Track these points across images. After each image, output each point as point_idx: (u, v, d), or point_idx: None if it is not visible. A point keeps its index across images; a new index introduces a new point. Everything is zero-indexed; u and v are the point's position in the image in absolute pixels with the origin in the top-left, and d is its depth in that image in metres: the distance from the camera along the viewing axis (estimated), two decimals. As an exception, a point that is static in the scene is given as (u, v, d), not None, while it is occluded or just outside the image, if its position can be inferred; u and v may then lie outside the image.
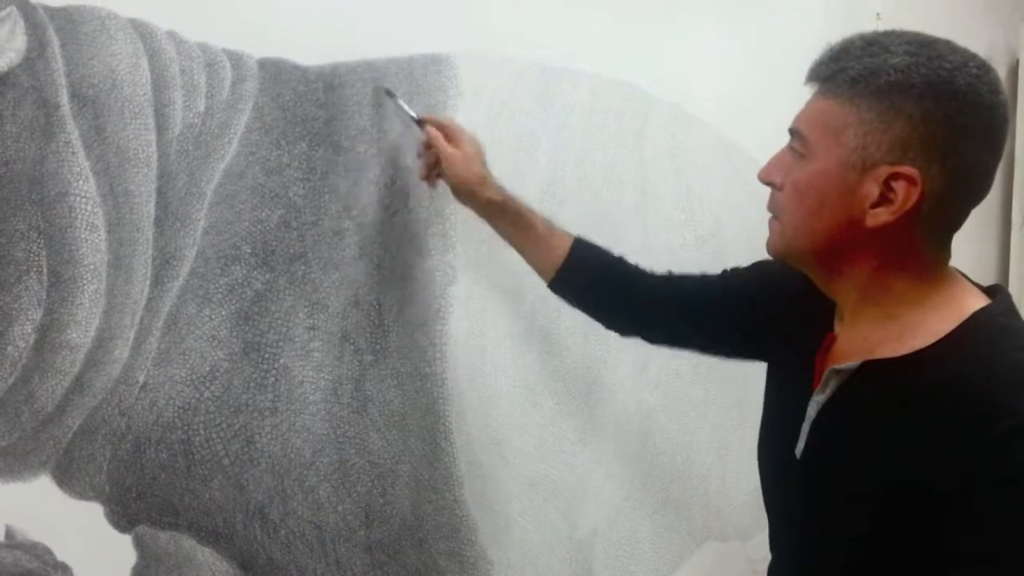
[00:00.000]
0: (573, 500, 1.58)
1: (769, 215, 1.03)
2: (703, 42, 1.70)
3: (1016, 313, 0.94)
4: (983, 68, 0.90)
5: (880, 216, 0.91)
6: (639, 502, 1.66)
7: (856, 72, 0.91)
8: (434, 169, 1.33)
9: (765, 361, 1.17)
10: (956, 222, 0.96)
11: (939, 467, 0.85)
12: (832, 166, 0.93)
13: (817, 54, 0.96)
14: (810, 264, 1.00)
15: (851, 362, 0.96)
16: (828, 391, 0.98)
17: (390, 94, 1.32)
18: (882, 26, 1.87)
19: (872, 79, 0.90)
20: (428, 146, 1.32)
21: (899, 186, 0.90)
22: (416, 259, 1.38)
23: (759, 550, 1.81)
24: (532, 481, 1.53)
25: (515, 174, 1.47)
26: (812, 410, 1.00)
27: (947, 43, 0.92)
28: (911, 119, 0.88)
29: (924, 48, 0.90)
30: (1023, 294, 2.30)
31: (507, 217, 1.34)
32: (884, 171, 0.90)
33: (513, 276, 1.47)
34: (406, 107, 1.32)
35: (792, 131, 0.98)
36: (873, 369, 0.94)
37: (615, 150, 1.59)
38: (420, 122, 1.32)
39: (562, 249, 1.33)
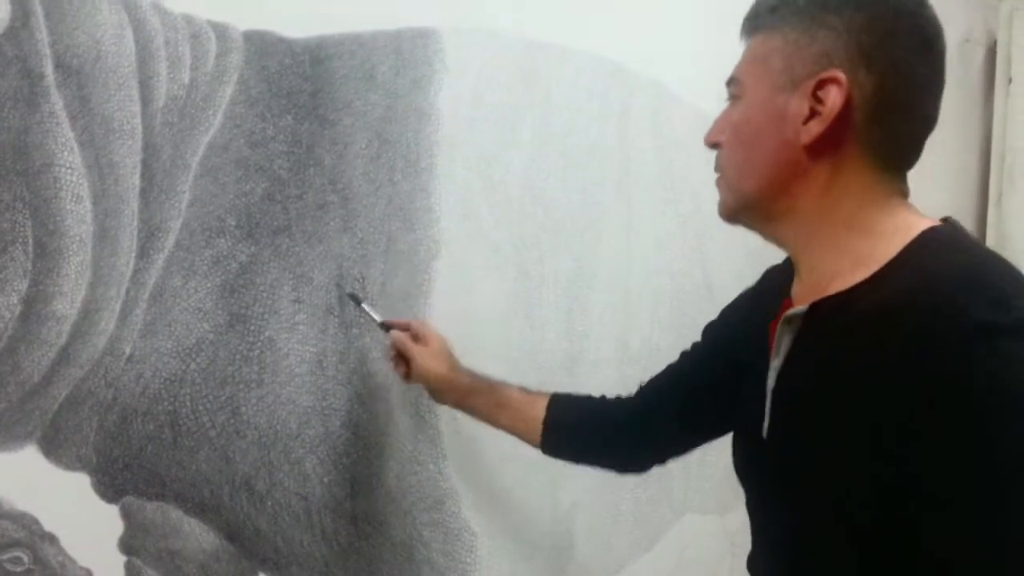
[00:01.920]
0: (555, 473, 1.59)
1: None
2: (686, 21, 1.71)
3: (966, 233, 0.90)
4: None
5: (813, 128, 0.87)
6: (620, 475, 1.68)
7: (774, 1, 0.92)
8: (405, 368, 1.34)
9: None
10: (901, 142, 0.91)
11: (897, 395, 0.77)
12: (763, 94, 0.91)
13: None
14: (758, 209, 0.94)
15: (798, 307, 0.90)
16: (783, 351, 0.92)
17: (355, 299, 1.33)
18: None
19: (791, 2, 0.90)
20: (396, 348, 1.33)
21: (825, 93, 0.87)
22: (400, 233, 1.38)
23: (737, 522, 1.84)
24: (515, 454, 1.54)
25: (499, 148, 1.48)
26: (771, 380, 0.93)
27: None
28: (834, 29, 0.87)
29: None
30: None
31: (483, 396, 1.34)
32: (811, 83, 0.87)
33: (496, 250, 1.48)
34: (371, 312, 1.33)
35: (728, 81, 0.97)
36: (822, 311, 0.88)
37: (599, 127, 1.60)
38: (385, 327, 1.33)
39: (541, 407, 1.30)
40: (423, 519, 1.43)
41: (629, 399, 1.29)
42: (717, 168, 0.98)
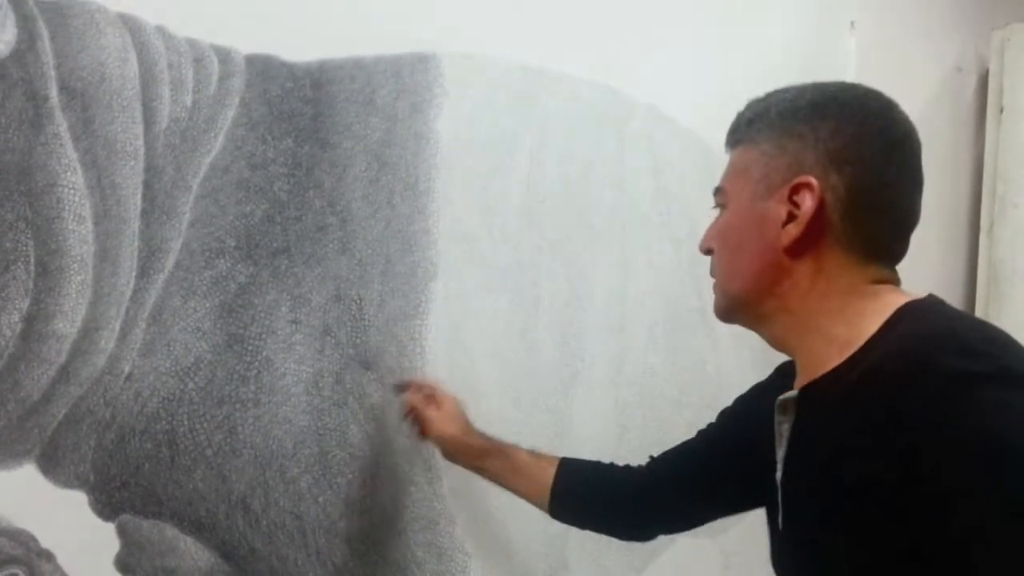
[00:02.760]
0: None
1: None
2: (681, 48, 1.73)
3: (944, 303, 0.93)
4: (876, 93, 0.95)
5: (791, 231, 0.92)
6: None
7: (752, 114, 0.98)
8: (420, 428, 1.40)
9: None
10: (879, 237, 0.94)
11: (885, 456, 0.79)
12: (745, 203, 0.97)
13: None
14: (750, 309, 0.99)
15: (789, 393, 0.95)
16: (784, 440, 0.95)
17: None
18: (857, 35, 1.91)
19: (765, 115, 0.96)
20: (411, 411, 1.39)
21: (800, 198, 0.92)
22: (398, 255, 1.40)
23: (732, 543, 1.84)
24: (509, 475, 1.55)
25: (497, 171, 1.50)
26: (779, 471, 0.96)
27: (841, 82, 0.98)
28: (803, 137, 0.93)
29: (816, 85, 0.97)
30: (991, 297, 2.35)
31: (494, 459, 1.37)
32: (786, 189, 0.93)
33: (493, 273, 1.49)
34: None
35: (714, 191, 1.03)
36: (812, 394, 0.92)
37: (595, 151, 1.62)
38: (399, 388, 1.39)
39: (550, 473, 1.33)
40: (417, 539, 1.44)
41: (639, 470, 1.31)
42: (712, 273, 1.03)
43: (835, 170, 0.91)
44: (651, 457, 1.31)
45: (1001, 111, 2.35)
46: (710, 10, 1.79)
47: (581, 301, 1.61)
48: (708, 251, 1.03)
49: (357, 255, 1.36)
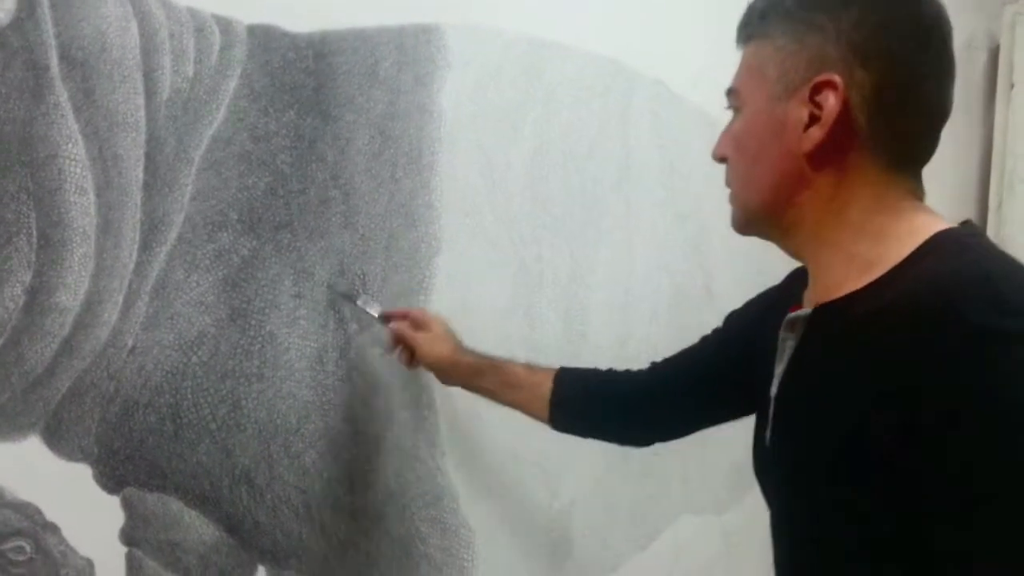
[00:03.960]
0: (553, 471, 1.60)
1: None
2: (688, 20, 1.72)
3: (982, 235, 0.86)
4: None
5: (813, 135, 0.84)
6: (618, 474, 1.69)
7: (764, 6, 0.89)
8: (408, 356, 1.36)
9: None
10: (911, 139, 0.87)
11: (894, 400, 0.75)
12: (761, 105, 0.88)
13: None
14: (767, 221, 0.92)
15: (801, 311, 0.89)
16: (786, 357, 0.90)
17: (349, 298, 1.34)
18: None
19: (779, 5, 0.87)
20: (397, 339, 1.35)
21: (822, 98, 0.83)
22: (401, 230, 1.39)
23: (734, 522, 1.84)
24: (513, 451, 1.55)
25: (501, 145, 1.48)
26: (774, 387, 0.91)
27: None
28: (823, 29, 0.84)
29: None
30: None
31: (489, 376, 1.34)
32: (806, 88, 0.84)
33: (497, 248, 1.48)
34: (368, 309, 1.34)
35: (727, 92, 0.94)
36: (824, 316, 0.86)
37: (600, 125, 1.61)
38: (384, 319, 1.35)
39: (547, 384, 1.30)
40: (421, 515, 1.44)
41: (640, 374, 1.28)
42: (727, 183, 0.96)
43: (860, 65, 0.82)
44: (653, 363, 1.28)
45: (1012, 87, 2.33)
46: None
47: (585, 277, 1.61)
48: (722, 159, 0.96)
49: (360, 229, 1.35)
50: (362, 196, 1.35)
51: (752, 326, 1.05)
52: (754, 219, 0.93)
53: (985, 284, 0.74)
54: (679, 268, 1.74)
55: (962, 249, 0.80)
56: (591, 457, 1.64)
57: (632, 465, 1.69)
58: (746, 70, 0.91)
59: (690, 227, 1.74)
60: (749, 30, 0.91)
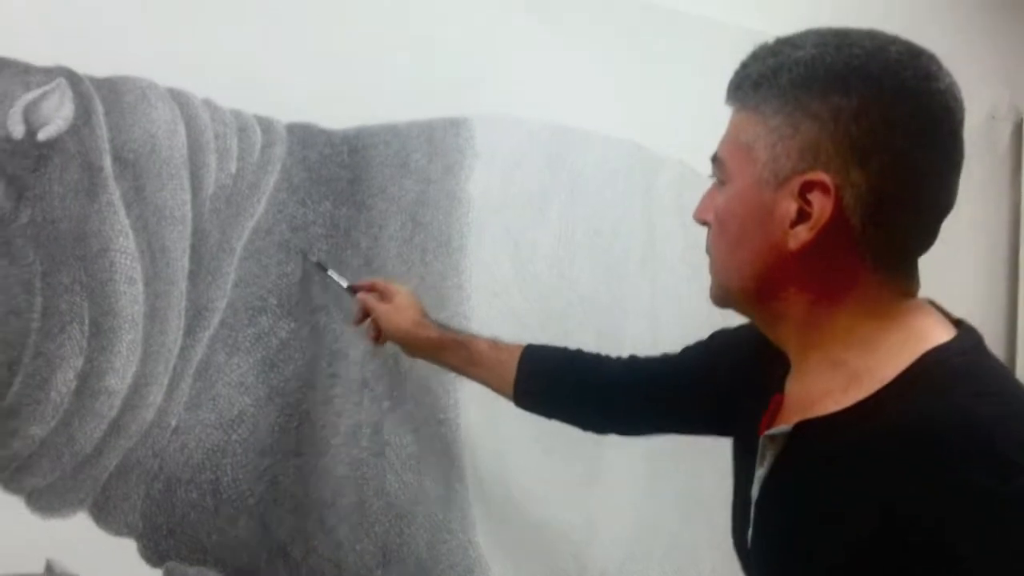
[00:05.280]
0: (583, 542, 1.63)
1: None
2: (708, 101, 1.77)
3: (977, 351, 0.78)
4: (910, 52, 0.78)
5: (800, 235, 0.78)
6: (648, 545, 1.71)
7: (758, 75, 0.80)
8: (376, 332, 1.35)
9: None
10: (909, 238, 0.80)
11: (885, 541, 0.71)
12: (747, 186, 0.81)
13: None
14: (748, 306, 0.87)
15: (783, 426, 0.82)
16: (767, 464, 0.84)
17: (321, 267, 1.34)
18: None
19: (774, 79, 0.79)
20: (364, 312, 1.34)
21: (813, 197, 0.77)
22: (432, 310, 1.45)
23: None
24: (543, 523, 1.59)
25: (527, 228, 1.55)
26: (755, 489, 0.85)
27: (868, 31, 0.79)
28: (818, 118, 0.76)
29: (835, 38, 0.78)
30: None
31: (453, 352, 1.32)
32: (797, 182, 0.77)
33: (525, 327, 1.54)
34: (337, 278, 1.34)
35: (712, 159, 0.87)
36: (809, 430, 0.80)
37: (624, 206, 1.67)
38: (352, 290, 1.35)
39: (512, 363, 1.26)
40: (452, 587, 1.47)
41: (613, 364, 1.24)
42: (707, 250, 0.90)
43: (857, 163, 0.75)
44: (632, 356, 1.23)
45: (1037, 158, 2.35)
46: (739, 61, 1.83)
47: (611, 353, 1.65)
48: (705, 222, 0.89)
49: (393, 311, 1.41)
50: (394, 280, 1.41)
51: (740, 364, 0.99)
52: (733, 299, 0.88)
53: (978, 436, 0.69)
54: (705, 342, 1.78)
55: (953, 379, 0.74)
56: (620, 528, 1.67)
57: (661, 537, 1.72)
58: (733, 142, 0.83)
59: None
60: (740, 97, 0.83)
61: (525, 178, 1.55)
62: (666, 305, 1.71)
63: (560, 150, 1.59)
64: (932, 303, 0.84)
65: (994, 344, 2.34)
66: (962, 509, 0.68)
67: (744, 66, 0.83)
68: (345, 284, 1.35)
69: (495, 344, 1.32)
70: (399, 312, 1.31)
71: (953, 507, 0.68)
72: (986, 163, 2.29)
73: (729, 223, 0.84)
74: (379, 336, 1.35)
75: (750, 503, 0.86)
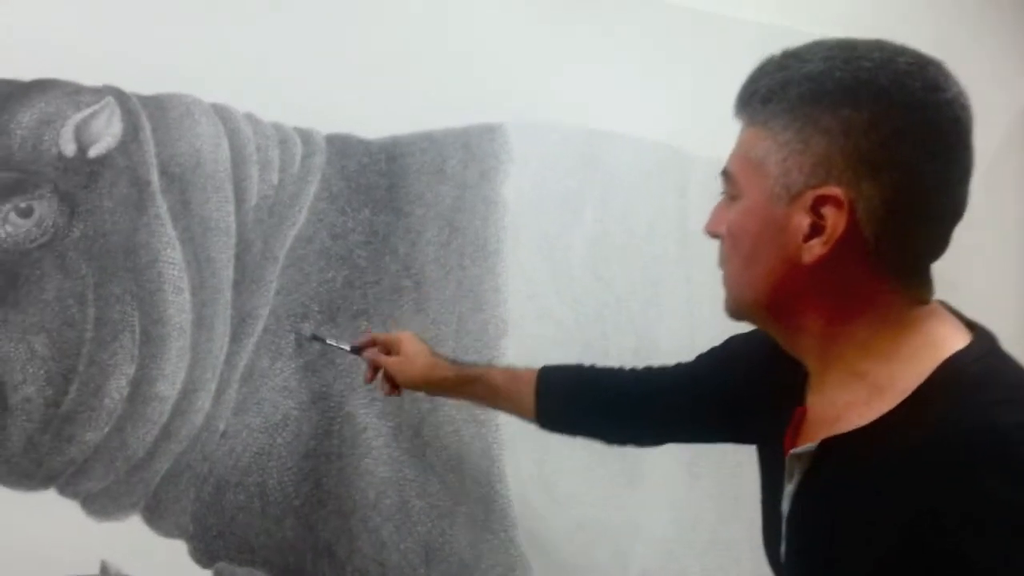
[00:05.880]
0: (623, 541, 1.65)
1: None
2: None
3: (992, 354, 0.79)
4: (918, 63, 0.77)
5: (815, 249, 0.78)
6: (688, 543, 1.72)
7: (767, 90, 0.80)
8: (389, 385, 1.32)
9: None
10: (922, 248, 0.81)
11: (912, 550, 0.73)
12: (759, 202, 0.81)
13: None
14: (764, 320, 0.87)
15: (808, 444, 0.82)
16: (795, 480, 0.84)
17: (318, 339, 1.34)
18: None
19: (783, 94, 0.79)
20: (375, 368, 1.32)
21: (827, 211, 0.77)
22: (470, 313, 1.48)
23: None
24: (583, 522, 1.61)
25: (562, 231, 1.57)
26: (785, 504, 0.86)
27: (876, 41, 0.79)
28: (829, 132, 0.76)
29: (843, 51, 0.78)
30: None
31: (470, 386, 1.31)
32: (809, 196, 0.77)
33: (562, 328, 1.56)
34: (337, 344, 1.34)
35: (722, 173, 0.87)
36: (835, 446, 0.80)
37: (658, 205, 1.68)
38: (356, 350, 1.34)
39: (529, 391, 1.26)
40: (494, 585, 1.50)
41: (629, 377, 1.24)
42: (720, 263, 0.90)
43: (869, 176, 0.75)
44: (648, 368, 1.24)
45: (1074, 151, 2.32)
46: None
47: (649, 353, 1.66)
48: (716, 235, 0.89)
49: (431, 315, 1.45)
50: (432, 284, 1.44)
51: (756, 370, 0.99)
52: (748, 313, 0.88)
53: (997, 446, 0.71)
54: (741, 341, 1.79)
55: (972, 388, 0.75)
56: (660, 527, 1.68)
57: (701, 534, 1.73)
58: (743, 158, 0.83)
59: (751, 300, 1.79)
60: (750, 112, 0.83)
61: (559, 181, 1.57)
62: (702, 304, 1.72)
63: (593, 153, 1.61)
64: (946, 306, 0.84)
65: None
66: (983, 521, 0.69)
67: (752, 80, 0.83)
68: (347, 347, 1.34)
69: (510, 372, 1.33)
70: (409, 362, 1.30)
71: (975, 519, 0.69)
72: (1020, 160, 2.27)
73: (742, 239, 0.84)
74: (394, 388, 1.33)
75: (781, 518, 0.87)
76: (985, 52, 2.21)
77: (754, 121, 0.82)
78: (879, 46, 0.78)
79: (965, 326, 0.82)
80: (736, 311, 0.88)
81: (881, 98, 0.75)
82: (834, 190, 0.76)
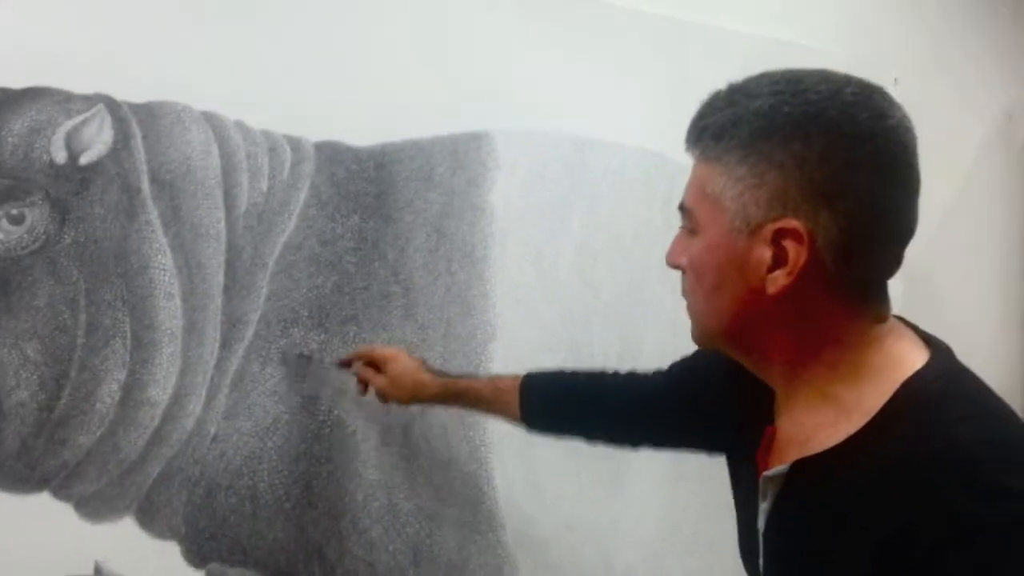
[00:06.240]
0: (608, 541, 1.67)
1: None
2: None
3: (951, 371, 0.82)
4: (863, 92, 0.80)
5: (779, 280, 0.80)
6: (672, 543, 1.75)
7: (718, 127, 0.81)
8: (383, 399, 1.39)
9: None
10: (879, 269, 0.83)
11: (887, 568, 0.75)
12: (719, 236, 0.82)
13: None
14: (730, 349, 0.89)
15: (780, 466, 0.84)
16: (769, 498, 0.86)
17: (305, 357, 1.38)
18: (901, 89, 1.95)
19: (735, 131, 0.80)
20: (364, 383, 1.39)
21: (788, 244, 0.79)
22: (458, 318, 1.50)
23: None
24: (569, 523, 1.63)
25: (549, 237, 1.59)
26: (761, 521, 0.88)
27: (820, 72, 0.81)
28: (783, 167, 0.78)
29: (790, 84, 0.80)
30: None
31: (456, 398, 1.38)
32: (769, 230, 0.79)
33: (549, 333, 1.58)
34: (327, 362, 1.39)
35: (679, 208, 0.88)
36: (806, 467, 0.82)
37: (644, 214, 1.70)
38: (345, 364, 1.39)
39: (513, 399, 1.31)
40: (482, 586, 1.52)
41: (610, 382, 1.28)
42: (683, 293, 0.91)
43: (825, 206, 0.77)
44: (631, 371, 1.27)
45: (1055, 156, 2.35)
46: (754, 70, 1.86)
47: (634, 357, 1.69)
48: (678, 267, 0.90)
49: (420, 320, 1.47)
50: (421, 290, 1.46)
51: (724, 382, 1.00)
52: (715, 342, 0.90)
53: (962, 463, 0.73)
54: (726, 344, 1.81)
55: (934, 407, 0.78)
56: (644, 527, 1.71)
57: (686, 532, 1.75)
58: (700, 193, 0.84)
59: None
60: (702, 148, 0.84)
61: (546, 188, 1.59)
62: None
63: (580, 160, 1.63)
64: (903, 321, 0.87)
65: (1011, 341, 2.36)
66: (955, 539, 0.71)
67: (700, 117, 0.84)
68: (336, 365, 1.39)
69: (494, 381, 1.37)
70: (396, 382, 1.36)
71: (946, 537, 0.72)
72: (1003, 162, 2.30)
73: (705, 272, 0.85)
74: (386, 402, 1.40)
75: (757, 533, 0.89)
76: (969, 56, 2.24)
77: (707, 157, 0.83)
78: (824, 77, 0.80)
79: (922, 341, 0.85)
80: (703, 340, 0.90)
81: (831, 130, 0.78)
82: (793, 223, 0.78)
